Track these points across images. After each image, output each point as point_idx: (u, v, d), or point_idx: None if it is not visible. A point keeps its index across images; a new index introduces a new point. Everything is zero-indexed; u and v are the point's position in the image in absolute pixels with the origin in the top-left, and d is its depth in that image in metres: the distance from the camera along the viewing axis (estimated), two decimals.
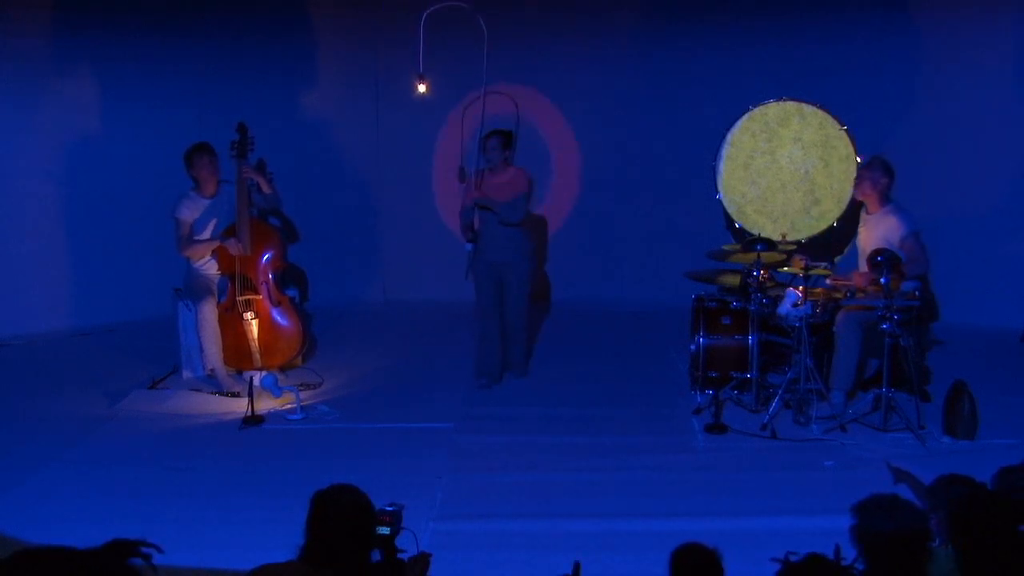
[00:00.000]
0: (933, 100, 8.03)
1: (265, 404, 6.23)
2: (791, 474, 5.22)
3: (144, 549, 2.54)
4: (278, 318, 6.82)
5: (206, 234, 6.80)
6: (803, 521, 4.52)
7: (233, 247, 6.66)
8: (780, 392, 5.93)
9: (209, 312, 6.61)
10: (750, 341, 6.19)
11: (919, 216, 6.22)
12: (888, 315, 5.52)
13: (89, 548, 2.13)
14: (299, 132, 8.91)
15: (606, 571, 4.24)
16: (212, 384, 6.73)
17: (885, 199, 6.19)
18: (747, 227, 7.44)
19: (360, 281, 9.31)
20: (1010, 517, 2.65)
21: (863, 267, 6.04)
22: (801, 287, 5.87)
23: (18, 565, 1.94)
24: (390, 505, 3.38)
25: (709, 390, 6.14)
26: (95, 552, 2.12)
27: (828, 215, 7.36)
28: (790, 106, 7.42)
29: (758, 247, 6.13)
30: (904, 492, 4.06)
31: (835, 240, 7.53)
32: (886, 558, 2.76)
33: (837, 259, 7.51)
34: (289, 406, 6.26)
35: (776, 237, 6.95)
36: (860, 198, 6.36)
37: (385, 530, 3.27)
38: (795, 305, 5.85)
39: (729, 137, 7.56)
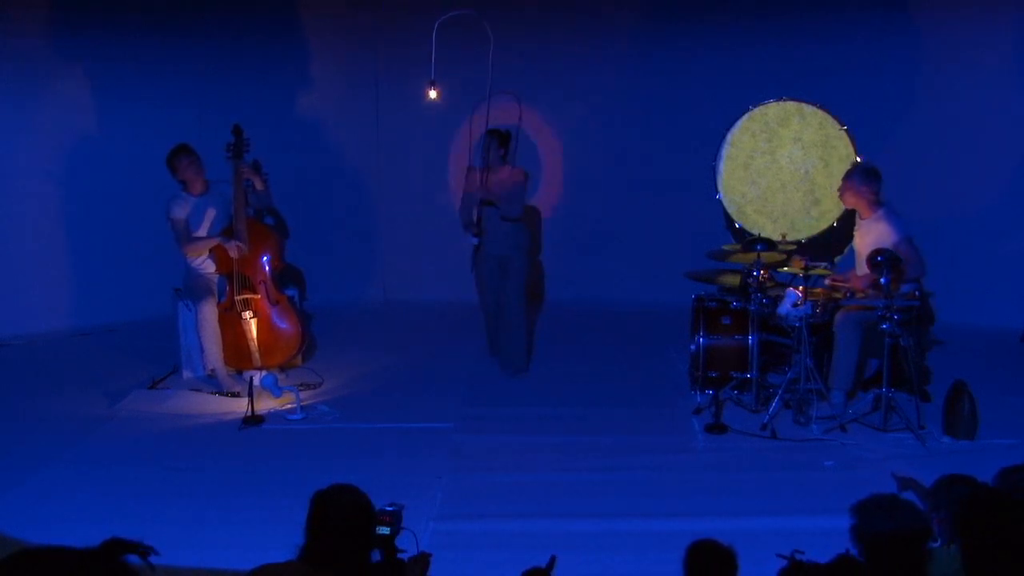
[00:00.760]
0: (933, 100, 8.03)
1: (265, 404, 6.23)
2: (791, 474, 5.22)
3: (143, 552, 2.54)
4: (277, 317, 6.82)
5: (203, 230, 6.81)
6: (803, 521, 4.52)
7: (232, 248, 6.66)
8: (780, 392, 5.93)
9: (209, 312, 6.61)
10: (750, 341, 6.19)
11: (919, 217, 6.23)
12: (888, 315, 5.52)
13: (89, 548, 2.13)
14: (299, 132, 8.91)
15: (606, 571, 4.24)
16: (212, 384, 6.73)
17: (875, 204, 6.14)
18: (747, 227, 7.44)
19: (360, 281, 9.31)
20: (1016, 516, 2.65)
21: (860, 270, 6.04)
22: (801, 287, 5.87)
23: (18, 565, 1.94)
24: (390, 505, 3.38)
25: (709, 390, 6.14)
26: (92, 551, 2.12)
27: (828, 215, 7.35)
28: (790, 106, 7.42)
29: (758, 247, 6.13)
30: (905, 493, 4.06)
31: (835, 240, 7.53)
32: (886, 558, 2.76)
33: (837, 259, 7.52)
34: (289, 406, 6.26)
35: (776, 237, 6.95)
36: (847, 207, 6.34)
37: (385, 530, 3.28)
38: (795, 305, 5.85)
39: (729, 137, 7.56)
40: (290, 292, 7.18)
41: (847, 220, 7.27)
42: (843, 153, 7.28)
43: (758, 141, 7.51)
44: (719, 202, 7.66)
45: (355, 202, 9.26)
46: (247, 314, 6.71)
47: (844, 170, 7.05)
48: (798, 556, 2.89)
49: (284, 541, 2.94)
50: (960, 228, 7.86)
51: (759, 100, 7.50)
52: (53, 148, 8.30)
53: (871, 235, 6.05)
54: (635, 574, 4.20)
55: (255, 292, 6.77)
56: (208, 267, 6.83)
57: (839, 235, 7.46)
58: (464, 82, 7.71)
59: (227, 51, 8.65)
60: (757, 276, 6.09)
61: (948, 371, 6.21)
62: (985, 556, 2.63)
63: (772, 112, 7.46)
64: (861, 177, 6.17)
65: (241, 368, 6.81)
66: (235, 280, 6.72)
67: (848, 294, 5.94)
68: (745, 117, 7.52)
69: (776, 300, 6.09)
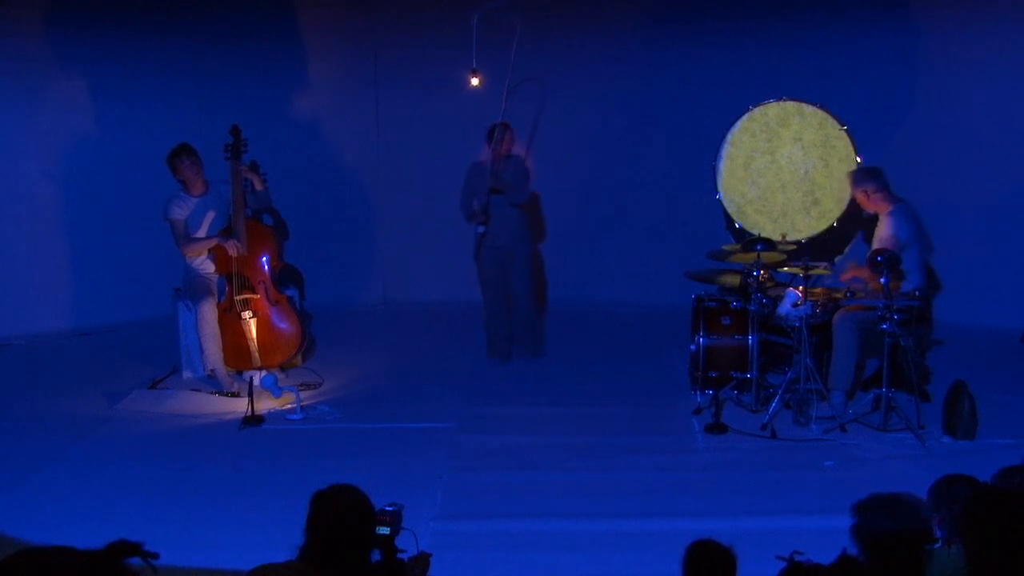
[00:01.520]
0: (933, 100, 8.02)
1: (265, 404, 6.23)
2: (791, 474, 5.22)
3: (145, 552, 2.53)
4: (276, 317, 6.83)
5: (202, 230, 6.81)
6: (803, 521, 4.52)
7: (232, 248, 6.67)
8: (780, 392, 5.93)
9: (209, 312, 6.62)
10: (750, 341, 6.20)
11: (919, 216, 6.21)
12: (888, 315, 5.52)
13: (89, 548, 2.13)
14: (299, 132, 8.91)
15: (606, 571, 4.24)
16: (212, 384, 6.73)
17: (887, 200, 6.15)
18: (747, 227, 7.44)
19: (359, 281, 9.31)
20: (1021, 513, 2.64)
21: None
22: (801, 287, 5.87)
23: (18, 565, 1.94)
24: (390, 505, 3.38)
25: (709, 390, 6.14)
26: (95, 552, 2.12)
27: (828, 215, 7.35)
28: (790, 106, 7.42)
29: (758, 247, 6.14)
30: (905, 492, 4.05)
31: (835, 240, 7.53)
32: (886, 557, 2.76)
33: (837, 259, 7.51)
34: (289, 406, 6.26)
35: (776, 237, 6.95)
36: (866, 211, 6.35)
37: (385, 530, 3.27)
38: (795, 305, 5.85)
39: (729, 137, 7.55)
40: (290, 292, 7.19)
41: (847, 220, 7.28)
42: (843, 153, 7.28)
43: (758, 141, 7.51)
44: (719, 202, 7.66)
45: (355, 202, 9.26)
46: (247, 314, 6.71)
47: (844, 170, 7.07)
48: (797, 557, 2.89)
49: (284, 541, 2.94)
50: (960, 228, 7.85)
51: (759, 100, 7.50)
52: (53, 148, 8.30)
53: (889, 228, 6.05)
54: (635, 574, 4.20)
55: (255, 292, 6.77)
56: (208, 267, 6.83)
57: (839, 235, 7.46)
58: (465, 82, 7.69)
59: (227, 51, 8.66)
60: (757, 276, 6.09)
61: (948, 371, 6.21)
62: (989, 554, 2.62)
63: (772, 112, 7.46)
64: (860, 177, 6.22)
65: (241, 368, 6.81)
66: (235, 280, 6.73)
67: (848, 293, 5.94)
68: (745, 117, 7.52)
69: (776, 300, 6.10)
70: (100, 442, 5.85)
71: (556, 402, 6.43)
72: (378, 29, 9.09)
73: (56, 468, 5.42)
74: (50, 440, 5.83)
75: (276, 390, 6.28)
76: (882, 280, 5.53)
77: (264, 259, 6.82)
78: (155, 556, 2.28)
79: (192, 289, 6.79)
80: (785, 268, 6.27)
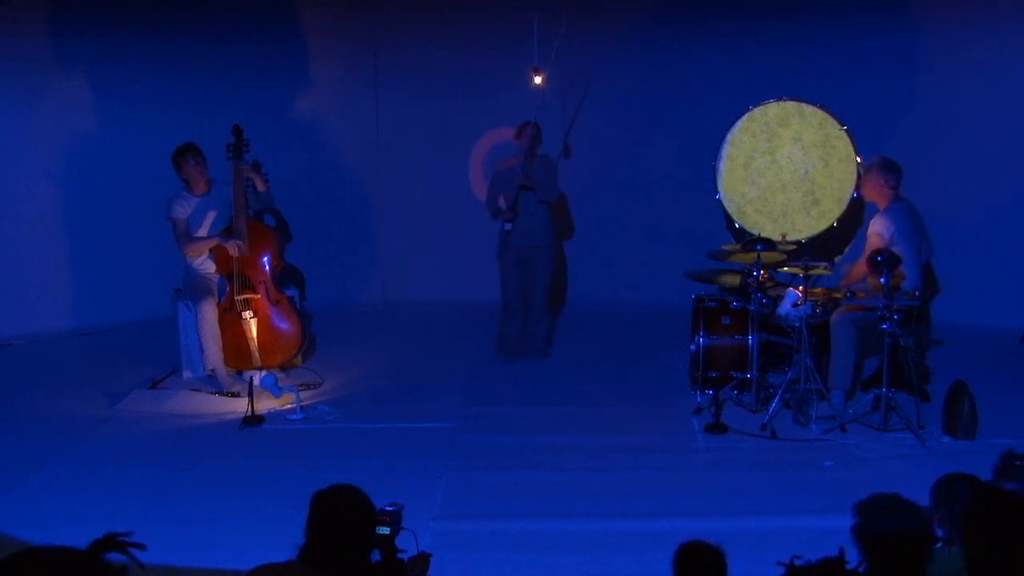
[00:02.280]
0: (933, 100, 8.02)
1: (265, 404, 6.23)
2: (791, 474, 5.22)
3: (130, 547, 2.46)
4: (277, 317, 6.83)
5: (203, 230, 6.81)
6: (803, 521, 4.52)
7: (232, 248, 6.67)
8: (780, 392, 5.93)
9: (209, 312, 6.62)
10: (750, 341, 6.20)
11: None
12: (888, 315, 5.52)
13: (86, 547, 2.13)
14: (299, 132, 8.91)
15: (606, 571, 4.24)
16: (212, 384, 6.73)
17: (892, 198, 6.11)
18: (747, 227, 7.44)
19: (359, 281, 9.31)
20: (1020, 515, 2.64)
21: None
22: (801, 287, 5.87)
23: (18, 565, 1.94)
24: (390, 505, 3.38)
25: (709, 390, 6.14)
26: (92, 550, 2.12)
27: (828, 215, 7.35)
28: (790, 106, 7.42)
29: (758, 247, 6.13)
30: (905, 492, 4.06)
31: (835, 240, 7.53)
32: (887, 557, 2.75)
33: (837, 259, 7.51)
34: (289, 406, 6.26)
35: (776, 237, 6.95)
36: (867, 200, 6.33)
37: (385, 530, 3.27)
38: (795, 305, 5.85)
39: (729, 137, 7.55)
40: (290, 292, 7.19)
41: (847, 220, 7.28)
42: (843, 153, 7.27)
43: (758, 141, 7.51)
44: (719, 202, 7.66)
45: (355, 202, 9.25)
46: (247, 314, 6.71)
47: (844, 170, 7.07)
48: (796, 562, 2.88)
49: (284, 541, 2.94)
50: (960, 228, 7.85)
51: (759, 100, 7.50)
52: (53, 148, 8.30)
53: (876, 225, 6.04)
54: (635, 574, 4.20)
55: (255, 292, 6.78)
56: (208, 267, 6.83)
57: (839, 235, 7.46)
58: (464, 81, 7.72)
59: (227, 51, 8.65)
60: (757, 276, 6.09)
61: (948, 371, 6.21)
62: (989, 554, 2.62)
63: (772, 112, 7.46)
64: (885, 165, 6.13)
65: (241, 368, 6.81)
66: (235, 280, 6.72)
67: (848, 293, 5.94)
68: (745, 117, 7.52)
69: (776, 300, 6.10)
70: (100, 442, 5.85)
71: (556, 402, 6.43)
72: (378, 29, 9.09)
73: (56, 468, 5.42)
74: (50, 440, 5.83)
75: (276, 390, 6.28)
76: (882, 280, 5.53)
77: (265, 259, 6.82)
78: (142, 548, 2.24)
79: (192, 289, 6.79)
80: (785, 268, 6.27)
